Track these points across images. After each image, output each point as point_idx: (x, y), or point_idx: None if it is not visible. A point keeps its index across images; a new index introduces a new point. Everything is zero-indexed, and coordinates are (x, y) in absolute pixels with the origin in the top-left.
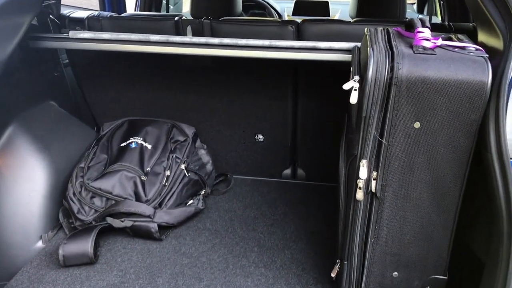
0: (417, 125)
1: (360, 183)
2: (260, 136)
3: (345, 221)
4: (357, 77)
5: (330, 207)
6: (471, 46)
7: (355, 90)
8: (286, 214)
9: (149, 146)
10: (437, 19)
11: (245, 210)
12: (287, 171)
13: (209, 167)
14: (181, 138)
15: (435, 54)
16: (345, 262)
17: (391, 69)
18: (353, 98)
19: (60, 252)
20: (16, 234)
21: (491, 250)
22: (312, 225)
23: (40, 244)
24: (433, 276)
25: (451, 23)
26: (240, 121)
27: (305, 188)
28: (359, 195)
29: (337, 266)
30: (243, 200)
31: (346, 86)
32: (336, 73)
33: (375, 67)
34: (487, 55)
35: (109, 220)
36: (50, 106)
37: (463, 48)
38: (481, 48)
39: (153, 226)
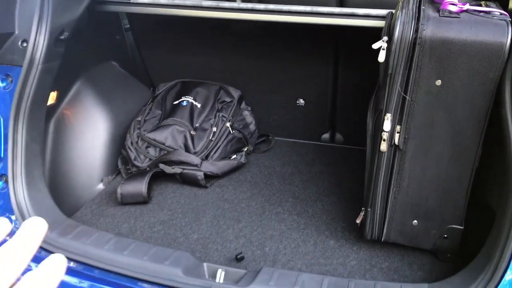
0: (438, 82)
1: (384, 135)
2: (301, 101)
3: (370, 171)
4: (385, 38)
5: (364, 169)
6: (496, 11)
7: (383, 49)
8: (321, 172)
9: (199, 105)
10: None
11: (283, 167)
12: (326, 135)
13: (252, 127)
14: (228, 99)
15: (459, 18)
16: (369, 209)
17: (416, 30)
18: (381, 57)
19: (119, 190)
20: (81, 176)
21: (501, 199)
22: (345, 183)
23: (100, 186)
24: (450, 226)
25: None
26: (283, 86)
27: (342, 151)
28: (383, 146)
29: (362, 213)
30: (282, 159)
31: (375, 46)
32: (376, 40)
33: (402, 28)
34: (510, 19)
35: (162, 166)
36: (112, 66)
37: (488, 12)
38: (505, 13)
39: (200, 174)
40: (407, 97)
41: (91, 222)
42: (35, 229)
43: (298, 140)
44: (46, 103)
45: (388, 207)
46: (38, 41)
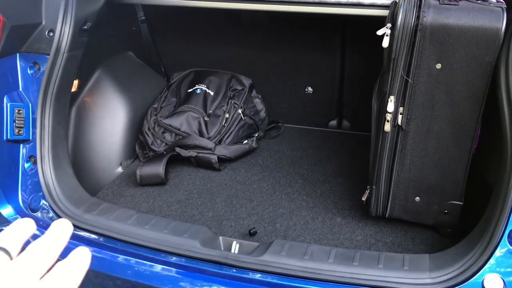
0: (438, 66)
1: (388, 117)
2: (310, 89)
3: (375, 151)
4: (389, 25)
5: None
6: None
7: (387, 35)
8: (329, 156)
9: (212, 93)
10: None
11: (293, 151)
12: (333, 122)
13: (262, 114)
14: (239, 87)
15: (458, 5)
16: (374, 187)
17: (418, 17)
18: (385, 42)
19: (138, 172)
20: (101, 159)
21: (498, 176)
22: (352, 166)
23: (119, 169)
24: (450, 202)
25: None
26: (292, 75)
27: (349, 137)
28: (387, 127)
29: (367, 191)
30: (291, 144)
31: (379, 32)
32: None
33: (404, 15)
34: (506, 6)
35: (178, 149)
36: (129, 56)
37: (485, 0)
38: (501, 0)
39: (214, 158)
40: (410, 80)
41: (112, 202)
42: (63, 230)
43: (307, 127)
44: (71, 89)
45: (392, 184)
46: (63, 31)
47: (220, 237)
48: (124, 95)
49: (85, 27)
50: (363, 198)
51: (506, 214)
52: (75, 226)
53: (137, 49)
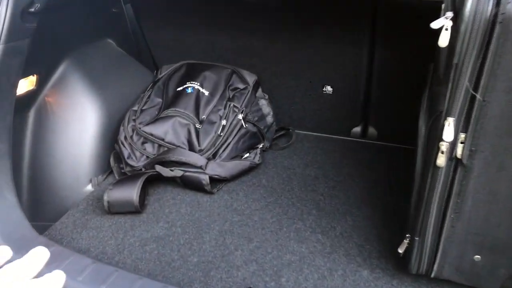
0: None
1: (443, 146)
2: (329, 88)
3: (420, 190)
4: (449, 14)
5: (402, 172)
6: None
7: (446, 29)
8: (351, 176)
9: (206, 93)
10: None
11: (306, 168)
12: (357, 129)
13: (269, 119)
14: (241, 86)
15: None
16: (416, 238)
17: (498, 3)
18: (443, 40)
19: (105, 198)
20: (66, 175)
21: None
22: (380, 190)
23: (89, 187)
24: None
25: None
26: (307, 70)
27: (376, 149)
28: (441, 160)
29: (406, 241)
30: (304, 158)
31: (434, 25)
32: (421, 19)
33: (476, 0)
34: None
35: (158, 168)
36: (106, 44)
37: None
38: None
39: (204, 178)
40: (478, 96)
41: (71, 237)
42: (38, 255)
43: (324, 135)
44: (14, 91)
45: (443, 237)
46: None
47: None
48: (97, 93)
49: (32, 9)
50: (400, 250)
51: None
52: None
53: (119, 35)
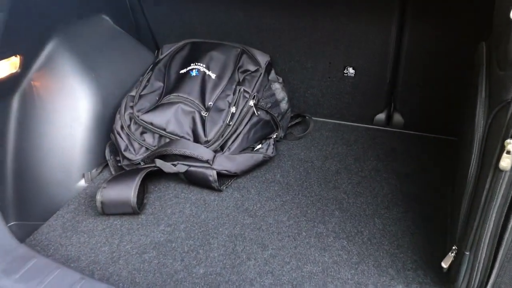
0: None
1: (510, 145)
2: (351, 70)
3: (474, 196)
4: None
5: (436, 166)
6: None
7: None
8: (377, 170)
9: (213, 76)
10: None
11: (325, 161)
12: (381, 116)
13: (283, 105)
14: (252, 68)
15: None
16: (467, 253)
17: None
18: None
19: (98, 198)
20: (56, 170)
21: None
22: (412, 188)
23: (81, 183)
24: None
25: None
26: (326, 49)
27: (403, 139)
28: (505, 162)
29: (452, 255)
30: (324, 149)
31: None
32: None
33: None
34: None
35: (158, 163)
36: (101, 21)
37: None
38: None
39: (211, 174)
40: None
41: (59, 243)
42: None
43: (344, 122)
44: None
45: (500, 252)
46: None
47: None
48: (91, 77)
49: None
50: (444, 265)
51: None
52: None
53: (116, 11)
